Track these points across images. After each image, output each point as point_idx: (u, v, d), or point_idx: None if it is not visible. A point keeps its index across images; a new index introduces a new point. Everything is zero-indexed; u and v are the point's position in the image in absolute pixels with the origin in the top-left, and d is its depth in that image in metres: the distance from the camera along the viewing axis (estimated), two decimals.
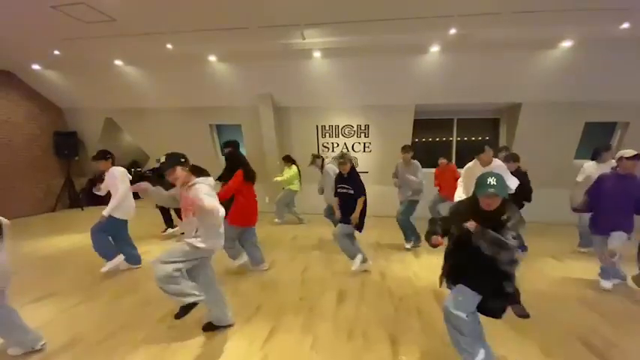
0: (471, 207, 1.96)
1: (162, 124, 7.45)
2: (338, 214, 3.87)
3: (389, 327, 2.67)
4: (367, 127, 6.90)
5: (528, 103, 6.05)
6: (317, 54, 5.58)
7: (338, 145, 7.06)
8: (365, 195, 3.75)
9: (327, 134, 7.05)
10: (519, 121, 6.24)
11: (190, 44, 5.29)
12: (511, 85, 5.79)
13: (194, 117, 7.23)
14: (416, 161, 4.62)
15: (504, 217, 1.84)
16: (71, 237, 5.45)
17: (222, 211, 2.23)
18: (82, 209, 7.96)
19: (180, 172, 2.39)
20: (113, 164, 3.89)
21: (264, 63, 5.85)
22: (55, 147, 7.79)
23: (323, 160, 5.40)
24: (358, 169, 4.08)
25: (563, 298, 3.24)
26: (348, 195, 3.76)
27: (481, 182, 1.85)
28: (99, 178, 3.96)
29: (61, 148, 7.80)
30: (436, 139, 7.41)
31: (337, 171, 4.01)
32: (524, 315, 1.91)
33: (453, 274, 2.07)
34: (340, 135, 7.02)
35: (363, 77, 5.98)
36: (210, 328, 2.63)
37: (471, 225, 1.84)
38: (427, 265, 4.08)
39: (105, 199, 3.86)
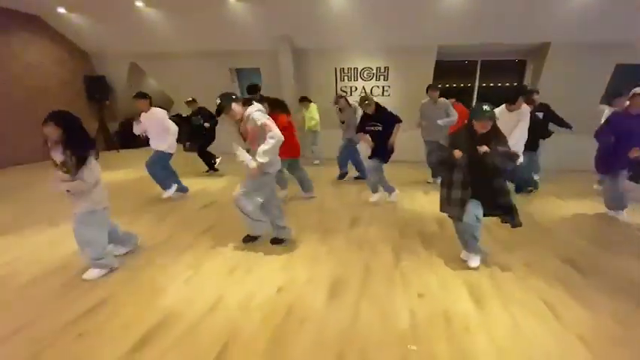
0: (467, 133, 2.46)
1: (184, 68, 7.64)
2: (370, 143, 4.07)
3: (393, 243, 3.11)
4: (387, 69, 6.84)
5: (558, 42, 5.77)
6: None
7: (356, 88, 7.09)
8: (400, 121, 4.06)
9: (346, 77, 7.06)
10: (546, 62, 6.00)
11: None
12: (541, 22, 5.49)
13: (214, 61, 7.35)
14: (443, 99, 4.72)
15: (494, 137, 2.40)
16: (115, 173, 6.10)
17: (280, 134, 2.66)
18: (118, 151, 8.62)
19: (236, 107, 2.69)
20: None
21: (283, 2, 5.75)
22: (86, 91, 8.22)
23: (346, 99, 5.41)
24: None
25: (558, 228, 3.53)
26: (377, 132, 4.02)
27: (479, 109, 2.38)
28: (136, 118, 4.32)
29: (93, 92, 8.23)
30: (456, 85, 7.26)
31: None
32: (517, 224, 2.51)
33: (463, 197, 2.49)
34: (359, 78, 7.02)
35: (384, 15, 5.80)
36: (250, 239, 3.13)
37: (482, 148, 2.32)
38: (434, 200, 4.40)
39: (139, 141, 4.32)
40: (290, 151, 4.02)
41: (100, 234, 2.57)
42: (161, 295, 2.33)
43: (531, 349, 1.81)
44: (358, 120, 4.47)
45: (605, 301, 2.23)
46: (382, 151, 4.10)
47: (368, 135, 4.08)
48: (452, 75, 7.12)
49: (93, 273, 2.55)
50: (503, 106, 3.66)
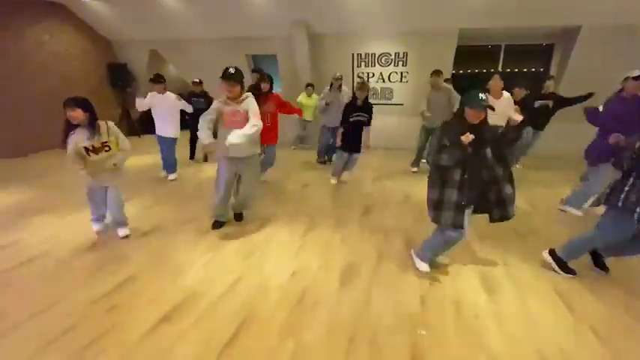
0: (460, 123, 2.13)
1: (202, 55, 7.71)
2: (339, 142, 4.18)
3: (406, 231, 3.14)
4: (405, 55, 6.66)
5: (589, 26, 5.43)
6: None
7: (373, 74, 6.96)
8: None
9: (363, 63, 6.93)
10: (575, 47, 5.69)
11: None
12: (570, 4, 5.17)
13: (231, 48, 7.37)
14: (446, 84, 4.66)
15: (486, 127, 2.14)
16: (138, 158, 6.33)
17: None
18: (140, 137, 8.90)
19: (239, 87, 2.87)
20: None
21: None
22: (109, 79, 8.46)
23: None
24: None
25: (575, 216, 3.44)
26: (361, 123, 4.10)
27: (475, 97, 2.04)
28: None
29: (116, 80, 8.46)
30: (478, 71, 7.00)
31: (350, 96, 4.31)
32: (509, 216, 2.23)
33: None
34: (377, 64, 6.88)
35: None
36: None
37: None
38: None
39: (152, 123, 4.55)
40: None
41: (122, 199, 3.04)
42: (184, 274, 2.47)
43: (542, 338, 1.83)
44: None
45: (620, 294, 2.21)
46: (360, 144, 4.22)
47: (347, 127, 4.10)
48: (474, 60, 6.85)
49: (126, 230, 3.05)
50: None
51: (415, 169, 5.25)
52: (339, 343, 1.81)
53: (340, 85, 5.34)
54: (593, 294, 2.20)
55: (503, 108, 3.59)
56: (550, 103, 4.85)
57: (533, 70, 6.78)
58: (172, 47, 7.95)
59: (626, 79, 3.10)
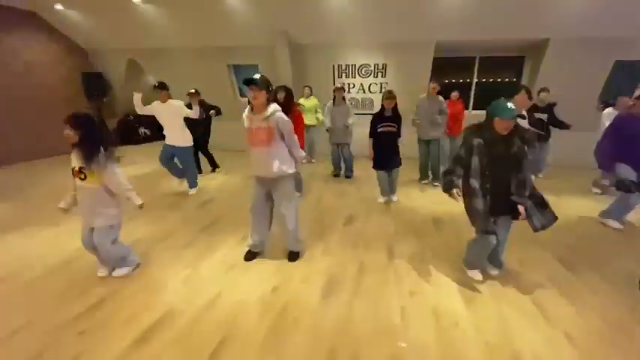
0: (485, 133, 2.13)
1: (183, 65, 7.64)
2: (371, 154, 3.94)
3: (388, 241, 3.16)
4: (385, 66, 6.82)
5: (557, 38, 5.74)
6: None
7: (354, 85, 7.09)
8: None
9: (344, 74, 7.05)
10: (545, 59, 5.99)
11: None
12: (539, 18, 5.46)
13: (212, 57, 7.34)
14: (440, 97, 4.72)
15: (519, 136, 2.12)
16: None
17: None
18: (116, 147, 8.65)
19: (264, 96, 2.41)
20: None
21: None
22: (85, 88, 8.21)
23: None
24: (374, 111, 4.24)
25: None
26: (392, 134, 3.86)
27: (504, 107, 2.03)
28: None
29: (91, 90, 8.22)
30: (455, 81, 7.25)
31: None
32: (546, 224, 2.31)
33: (493, 207, 2.19)
34: (357, 75, 7.01)
35: (383, 10, 5.76)
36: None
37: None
38: (430, 198, 4.46)
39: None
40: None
41: (118, 241, 2.60)
42: (161, 292, 2.39)
43: (519, 345, 1.88)
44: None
45: (594, 300, 2.29)
46: (398, 157, 4.01)
47: (377, 138, 3.91)
48: (450, 71, 7.10)
49: (121, 272, 2.62)
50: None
51: (425, 181, 5.14)
52: (320, 358, 1.79)
53: (344, 97, 5.21)
54: (568, 300, 2.28)
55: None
56: (544, 117, 4.84)
57: (507, 80, 7.08)
58: (151, 56, 7.83)
59: (639, 97, 3.09)
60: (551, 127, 4.97)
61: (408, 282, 2.49)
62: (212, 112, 5.55)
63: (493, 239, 2.23)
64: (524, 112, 3.51)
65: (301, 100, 6.31)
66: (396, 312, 2.15)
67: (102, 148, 2.31)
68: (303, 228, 3.38)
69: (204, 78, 7.39)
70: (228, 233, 3.35)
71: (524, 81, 6.73)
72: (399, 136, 3.99)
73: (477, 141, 2.15)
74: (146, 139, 9.01)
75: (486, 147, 2.12)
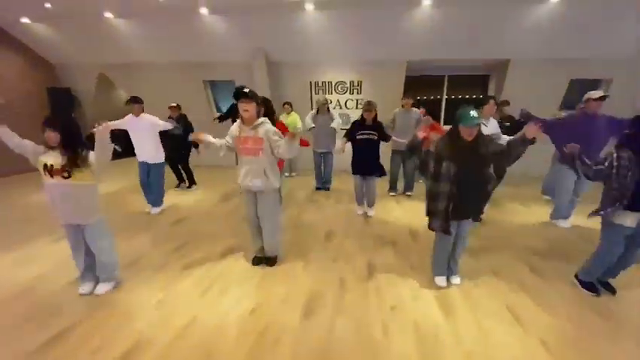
0: (452, 140, 2.28)
1: (157, 80, 7.49)
2: (343, 144, 4.03)
3: (368, 255, 3.17)
4: (360, 83, 7.03)
5: (517, 59, 6.18)
6: (310, 6, 5.56)
7: (331, 101, 7.20)
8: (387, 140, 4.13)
9: (321, 91, 7.18)
10: (507, 77, 6.41)
11: None
12: (501, 40, 5.88)
13: (188, 73, 7.27)
14: (415, 109, 4.94)
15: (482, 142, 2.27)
16: None
17: None
18: None
19: (255, 108, 2.54)
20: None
21: (257, 16, 5.82)
22: (51, 104, 7.84)
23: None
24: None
25: (520, 233, 3.74)
26: (373, 142, 3.93)
27: (466, 115, 2.17)
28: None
29: (58, 106, 7.86)
30: (426, 97, 7.58)
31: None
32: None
33: (455, 209, 2.34)
34: (334, 91, 7.16)
35: (357, 31, 5.99)
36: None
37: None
38: (407, 211, 4.55)
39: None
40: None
41: (111, 243, 2.61)
42: (132, 318, 2.24)
43: (498, 353, 1.91)
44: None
45: (564, 305, 2.39)
46: (378, 164, 4.03)
47: (357, 143, 3.97)
48: (421, 88, 7.43)
49: (104, 287, 2.56)
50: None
51: (393, 194, 5.29)
52: None
53: (328, 108, 5.35)
54: (540, 306, 2.36)
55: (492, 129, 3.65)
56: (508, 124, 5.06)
57: (474, 96, 7.49)
58: (123, 71, 7.63)
59: (588, 100, 3.45)
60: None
61: (388, 296, 2.49)
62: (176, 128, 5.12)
63: (450, 239, 2.45)
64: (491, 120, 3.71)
65: (281, 117, 6.35)
66: (378, 328, 2.13)
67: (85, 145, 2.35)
68: (284, 245, 3.34)
69: (179, 93, 7.26)
70: (203, 253, 3.23)
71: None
72: (385, 141, 4.05)
73: (445, 147, 2.29)
74: (116, 156, 8.64)
75: (454, 152, 2.26)
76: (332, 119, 5.34)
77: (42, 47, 7.42)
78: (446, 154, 2.27)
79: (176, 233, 3.78)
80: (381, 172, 4.07)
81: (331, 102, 7.19)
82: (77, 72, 7.92)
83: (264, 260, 2.99)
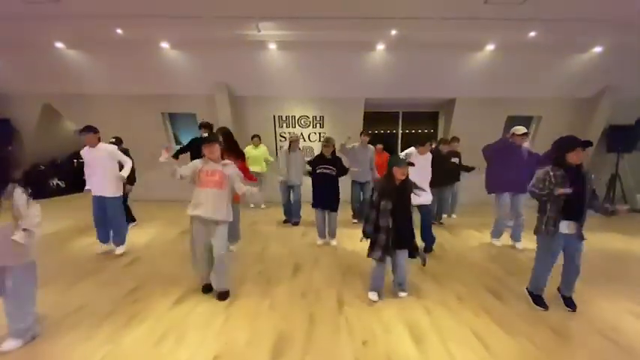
0: (389, 181, 2.74)
1: (110, 111, 7.13)
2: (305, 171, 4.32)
3: (337, 288, 3.11)
4: (322, 118, 7.30)
5: (461, 98, 6.88)
6: (272, 46, 5.80)
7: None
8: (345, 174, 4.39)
9: (285, 124, 7.32)
10: (455, 114, 7.06)
11: (142, 29, 5.21)
12: (447, 81, 6.55)
13: (145, 105, 7.03)
14: (370, 145, 5.26)
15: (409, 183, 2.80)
16: None
17: None
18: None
19: (219, 150, 2.84)
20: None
21: (220, 52, 5.92)
22: None
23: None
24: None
25: (478, 258, 3.93)
26: (331, 177, 4.18)
27: (398, 159, 2.73)
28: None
29: None
30: (384, 131, 8.06)
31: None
32: (424, 259, 2.90)
33: (396, 241, 2.74)
34: (297, 125, 7.33)
35: (317, 70, 6.33)
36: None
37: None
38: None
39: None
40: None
41: (35, 292, 2.30)
42: None
43: None
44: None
45: (524, 326, 2.49)
46: (336, 200, 4.27)
47: (317, 177, 4.21)
48: (379, 123, 7.91)
49: (13, 344, 2.18)
50: (413, 149, 3.98)
51: (355, 221, 5.52)
52: None
53: (298, 145, 5.42)
54: (502, 329, 2.44)
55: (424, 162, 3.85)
56: (457, 161, 5.59)
57: (426, 131, 8.10)
58: (72, 101, 7.17)
59: (512, 135, 4.03)
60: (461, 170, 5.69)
61: (359, 330, 2.42)
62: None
63: (384, 266, 2.82)
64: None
65: (249, 148, 6.35)
66: None
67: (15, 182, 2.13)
68: (248, 282, 3.18)
69: (135, 125, 6.98)
70: (156, 297, 2.93)
71: (439, 132, 7.78)
72: (343, 174, 4.33)
73: (383, 188, 2.74)
74: (58, 192, 7.94)
75: (390, 191, 2.70)
76: (303, 157, 5.43)
77: None
78: (384, 192, 2.71)
79: (126, 277, 3.42)
80: (336, 208, 4.29)
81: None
82: (19, 102, 7.30)
83: (217, 294, 2.90)
